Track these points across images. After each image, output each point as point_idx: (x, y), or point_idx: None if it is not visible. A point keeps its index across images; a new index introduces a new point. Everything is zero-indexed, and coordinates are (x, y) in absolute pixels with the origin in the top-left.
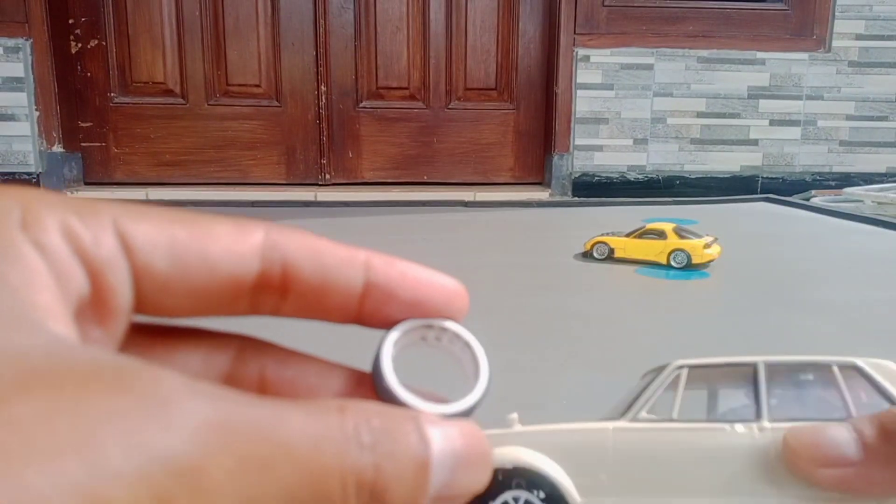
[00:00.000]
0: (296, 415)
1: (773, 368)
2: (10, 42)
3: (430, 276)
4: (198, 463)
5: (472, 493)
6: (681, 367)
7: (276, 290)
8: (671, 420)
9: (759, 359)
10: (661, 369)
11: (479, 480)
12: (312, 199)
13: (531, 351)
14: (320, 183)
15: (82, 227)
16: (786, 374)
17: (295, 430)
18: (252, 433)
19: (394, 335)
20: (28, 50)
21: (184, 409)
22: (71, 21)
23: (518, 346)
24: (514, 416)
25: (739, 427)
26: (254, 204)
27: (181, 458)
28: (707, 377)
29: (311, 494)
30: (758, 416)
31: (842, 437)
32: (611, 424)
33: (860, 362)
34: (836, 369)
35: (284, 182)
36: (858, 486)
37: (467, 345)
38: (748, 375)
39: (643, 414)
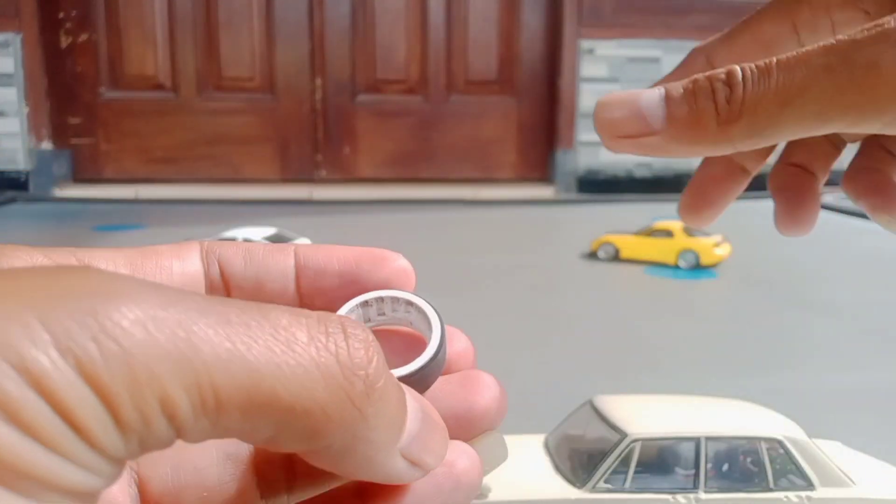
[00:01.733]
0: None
1: (712, 442)
2: (1, 37)
3: (359, 248)
4: (119, 336)
5: (433, 466)
6: (634, 440)
7: (220, 292)
8: (624, 490)
9: (701, 433)
10: (589, 409)
11: (441, 453)
12: (307, 196)
13: (534, 354)
14: (315, 180)
15: None
16: (722, 447)
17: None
18: (194, 314)
19: None
20: (18, 45)
21: (126, 297)
22: (61, 15)
23: (520, 350)
24: None
25: (681, 498)
26: (246, 203)
27: (98, 315)
28: (657, 449)
29: (287, 387)
30: (695, 487)
31: (650, 107)
32: (573, 494)
33: (784, 439)
34: (762, 444)
35: (278, 179)
36: (653, 152)
37: (410, 304)
38: (691, 448)
39: (601, 484)
